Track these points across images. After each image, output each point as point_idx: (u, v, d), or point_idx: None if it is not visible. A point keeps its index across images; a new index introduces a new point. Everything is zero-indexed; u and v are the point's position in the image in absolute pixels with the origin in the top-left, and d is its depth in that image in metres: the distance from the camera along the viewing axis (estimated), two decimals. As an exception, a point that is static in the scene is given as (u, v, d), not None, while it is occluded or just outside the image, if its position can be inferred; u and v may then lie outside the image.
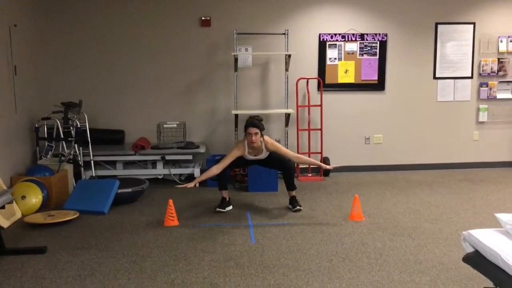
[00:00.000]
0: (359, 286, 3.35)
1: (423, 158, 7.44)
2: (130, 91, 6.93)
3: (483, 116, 7.45)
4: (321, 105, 6.99)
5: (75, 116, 6.08)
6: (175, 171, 6.57)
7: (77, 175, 6.15)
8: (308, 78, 7.02)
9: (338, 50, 7.10)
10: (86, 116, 6.19)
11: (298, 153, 6.94)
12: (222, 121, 7.08)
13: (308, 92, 7.01)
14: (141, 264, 3.79)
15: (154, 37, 6.87)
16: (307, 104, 7.03)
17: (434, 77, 7.32)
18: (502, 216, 2.79)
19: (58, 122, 5.99)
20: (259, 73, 7.08)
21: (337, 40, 7.08)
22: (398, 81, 7.26)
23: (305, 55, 7.06)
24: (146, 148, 6.44)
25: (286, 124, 6.96)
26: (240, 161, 5.23)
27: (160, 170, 6.56)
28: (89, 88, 6.84)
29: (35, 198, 5.21)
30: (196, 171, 6.47)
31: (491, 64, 7.34)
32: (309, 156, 6.98)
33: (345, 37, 7.09)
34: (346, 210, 5.20)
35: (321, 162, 6.91)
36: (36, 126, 6.08)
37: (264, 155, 5.19)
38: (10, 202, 4.14)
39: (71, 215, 4.88)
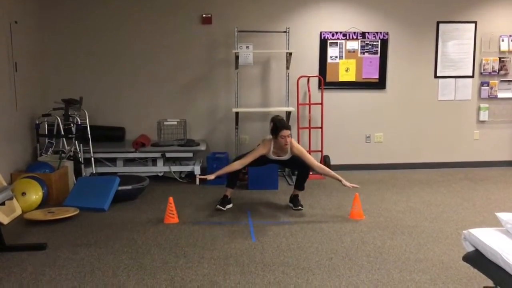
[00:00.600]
0: (359, 285, 3.35)
1: (424, 157, 7.44)
2: (131, 88, 6.93)
3: (483, 115, 7.44)
4: (321, 103, 6.98)
5: (76, 113, 6.08)
6: (175, 168, 6.57)
7: (78, 172, 6.15)
8: (309, 76, 7.01)
9: (339, 48, 7.09)
10: (86, 113, 6.19)
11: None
12: (223, 119, 7.08)
13: (309, 90, 7.00)
14: (141, 261, 3.79)
15: (155, 34, 6.86)
16: (307, 102, 7.02)
17: (435, 76, 7.32)
18: (502, 215, 2.79)
19: (59, 119, 5.98)
20: (260, 71, 7.07)
21: (338, 38, 7.07)
22: (399, 79, 7.26)
23: (306, 53, 7.05)
24: (146, 146, 6.44)
25: (287, 122, 6.95)
26: (261, 160, 5.17)
27: (160, 168, 6.55)
28: (89, 85, 6.84)
29: (35, 194, 5.21)
30: (197, 169, 6.46)
31: (492, 63, 7.33)
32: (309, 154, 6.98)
33: (346, 36, 7.08)
34: (346, 209, 5.19)
35: (321, 160, 6.92)
36: (37, 122, 6.07)
37: (287, 157, 5.14)
38: (10, 199, 4.13)
39: (71, 212, 4.88)
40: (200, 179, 4.82)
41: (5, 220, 4.69)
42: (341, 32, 7.07)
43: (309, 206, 5.34)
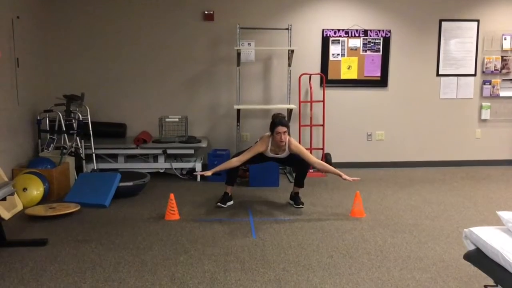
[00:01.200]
0: (359, 283, 3.35)
1: (425, 155, 7.43)
2: (133, 85, 6.92)
3: (485, 114, 7.43)
4: (323, 101, 6.98)
5: (77, 109, 6.08)
6: (176, 165, 6.57)
7: (79, 168, 6.15)
8: (311, 74, 7.00)
9: (341, 46, 7.08)
10: (88, 109, 6.19)
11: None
12: (224, 116, 7.08)
13: (310, 87, 6.99)
14: (142, 257, 3.79)
15: (157, 30, 6.86)
16: (309, 99, 7.02)
17: (437, 74, 7.31)
18: (503, 214, 2.78)
19: (60, 114, 5.98)
20: (261, 68, 7.06)
21: (340, 36, 7.06)
22: (401, 77, 7.24)
23: (308, 50, 7.04)
24: (147, 142, 6.44)
25: (288, 120, 6.93)
26: (259, 157, 5.16)
27: (161, 164, 6.56)
28: (91, 81, 6.83)
29: (37, 190, 5.21)
30: (198, 166, 6.47)
31: (495, 61, 7.31)
32: (310, 152, 6.98)
33: (348, 33, 7.06)
34: (347, 206, 5.19)
35: (322, 158, 6.92)
36: (38, 118, 6.07)
37: (285, 154, 5.13)
38: (12, 194, 4.14)
39: (72, 208, 4.89)
40: (197, 175, 4.80)
41: (6, 216, 4.71)
42: (343, 30, 7.06)
43: (310, 203, 5.34)
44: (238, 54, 6.56)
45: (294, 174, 5.44)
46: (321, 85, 7.08)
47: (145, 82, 6.94)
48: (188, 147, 6.47)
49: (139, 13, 6.82)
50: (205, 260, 3.74)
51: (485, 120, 7.47)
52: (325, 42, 7.05)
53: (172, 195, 4.82)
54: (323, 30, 7.04)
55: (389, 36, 7.13)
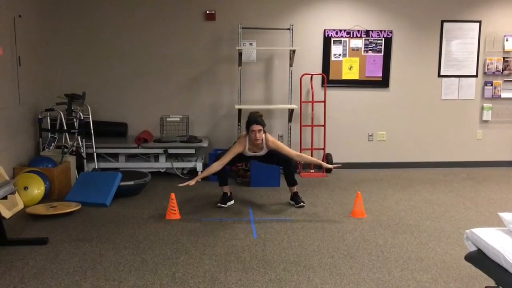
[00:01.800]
0: (360, 283, 3.35)
1: (426, 156, 7.43)
2: (134, 84, 6.93)
3: (487, 115, 7.42)
4: (324, 101, 6.97)
5: (79, 108, 6.08)
6: (177, 164, 6.57)
7: (80, 167, 6.16)
8: (312, 74, 7.00)
9: (343, 46, 7.07)
10: (89, 108, 6.20)
11: (300, 149, 6.94)
12: (225, 116, 7.07)
13: (312, 88, 6.99)
14: (143, 256, 3.79)
15: (158, 30, 6.86)
16: (310, 100, 7.01)
17: (439, 75, 7.30)
18: (505, 215, 2.78)
19: (62, 113, 5.99)
20: (263, 68, 7.06)
21: (342, 36, 7.06)
22: (402, 78, 7.24)
23: (309, 51, 7.04)
24: (149, 141, 6.44)
25: (289, 120, 6.95)
26: (239, 157, 5.20)
27: (162, 164, 6.56)
28: (92, 80, 6.83)
29: (38, 189, 5.22)
30: (199, 165, 6.47)
31: (496, 63, 7.31)
32: (311, 153, 6.99)
33: (350, 34, 7.06)
34: (348, 207, 5.19)
35: (323, 158, 6.93)
36: (40, 117, 6.08)
37: (263, 152, 5.16)
38: (13, 193, 4.14)
39: (73, 207, 4.89)
40: (180, 186, 4.81)
41: (7, 214, 4.71)
42: (345, 30, 7.05)
43: (311, 204, 5.34)
44: (240, 54, 6.56)
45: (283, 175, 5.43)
46: (322, 86, 7.08)
47: (146, 82, 6.94)
48: (189, 146, 6.47)
49: (141, 13, 6.82)
50: (205, 259, 3.74)
51: (486, 121, 7.46)
52: (327, 43, 7.05)
53: (173, 195, 4.82)
54: (324, 30, 7.03)
55: (391, 37, 7.13)
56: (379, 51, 7.13)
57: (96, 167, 6.15)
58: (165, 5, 6.83)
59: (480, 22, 7.23)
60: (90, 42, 6.81)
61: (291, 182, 5.29)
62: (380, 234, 4.36)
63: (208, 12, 6.86)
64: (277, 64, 7.05)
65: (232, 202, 5.34)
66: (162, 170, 6.64)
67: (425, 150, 7.42)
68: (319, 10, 7.02)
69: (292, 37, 6.73)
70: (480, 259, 2.75)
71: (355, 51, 7.10)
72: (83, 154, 6.12)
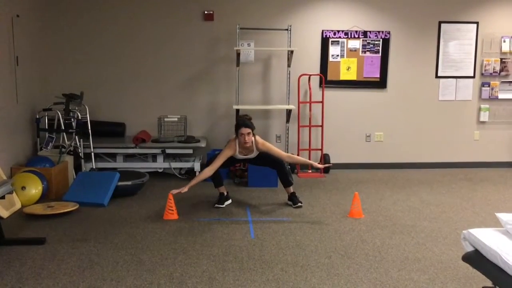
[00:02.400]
0: (358, 283, 3.35)
1: (424, 156, 7.44)
2: (132, 84, 6.92)
3: (484, 116, 7.44)
4: (322, 102, 6.98)
5: (76, 108, 6.08)
6: (175, 165, 6.57)
7: (77, 167, 6.15)
8: (310, 75, 7.01)
9: (341, 47, 7.08)
10: (87, 108, 6.19)
11: (298, 149, 6.95)
12: (223, 116, 7.08)
13: (309, 88, 7.00)
14: (140, 256, 3.79)
15: (156, 30, 6.86)
16: (308, 100, 7.02)
17: (436, 76, 7.31)
18: (502, 216, 2.79)
19: (59, 113, 5.98)
20: (261, 69, 7.07)
21: (340, 37, 7.07)
22: (400, 79, 7.25)
23: (307, 51, 7.05)
24: (146, 141, 6.44)
25: (287, 120, 6.95)
26: (230, 161, 5.20)
27: (160, 164, 6.55)
28: (90, 80, 6.83)
29: (35, 189, 5.21)
30: (196, 165, 6.47)
31: (494, 64, 7.33)
32: (309, 153, 6.99)
33: (348, 34, 7.07)
34: (345, 207, 5.20)
35: (321, 159, 6.93)
36: (37, 117, 6.07)
37: (254, 154, 5.18)
38: (10, 193, 4.13)
39: (71, 207, 4.89)
40: (174, 194, 4.78)
41: (5, 214, 4.70)
42: (343, 31, 7.06)
43: (308, 204, 5.35)
44: (238, 54, 6.57)
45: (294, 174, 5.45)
46: (320, 86, 7.09)
47: (144, 82, 6.94)
48: (187, 147, 6.47)
49: (139, 13, 6.82)
50: (203, 259, 3.74)
51: (483, 122, 7.48)
52: (325, 43, 7.06)
53: (170, 195, 4.81)
54: (322, 31, 7.04)
55: (389, 38, 7.14)
56: (377, 52, 7.14)
57: (94, 167, 6.14)
58: (163, 5, 6.83)
59: (477, 23, 7.25)
60: (88, 42, 6.80)
61: (286, 183, 5.30)
62: (378, 235, 4.36)
63: (206, 12, 6.86)
64: (275, 65, 7.05)
65: (230, 201, 5.34)
66: (160, 170, 6.64)
67: (422, 151, 7.44)
68: (317, 11, 7.02)
69: (290, 37, 6.73)
70: (477, 259, 2.76)
71: (353, 51, 7.11)
72: (80, 154, 6.11)
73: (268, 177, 6.07)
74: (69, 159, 5.96)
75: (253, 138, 5.05)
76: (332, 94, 7.15)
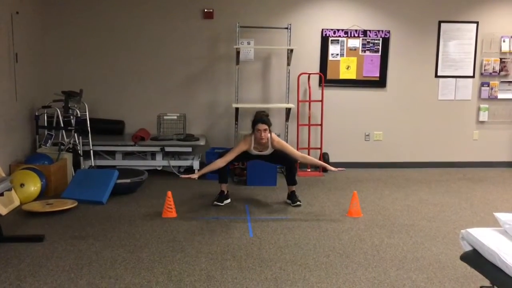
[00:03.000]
0: (356, 282, 3.36)
1: (423, 156, 7.44)
2: (131, 82, 6.92)
3: (483, 116, 7.44)
4: (322, 101, 6.98)
5: (76, 105, 6.07)
6: (174, 163, 6.57)
7: (76, 165, 6.15)
8: (310, 73, 7.00)
9: (341, 46, 7.08)
10: (86, 106, 6.18)
11: (297, 148, 6.94)
12: (223, 114, 7.07)
13: (309, 87, 7.00)
14: (139, 254, 3.79)
15: (156, 28, 6.85)
16: (308, 99, 7.02)
17: (436, 76, 7.31)
18: (501, 216, 2.79)
19: (58, 111, 5.97)
20: (260, 67, 7.06)
21: (339, 36, 7.07)
22: (399, 78, 7.25)
23: (307, 50, 7.04)
24: (145, 139, 6.44)
25: (287, 119, 6.95)
26: (244, 156, 5.21)
27: (159, 162, 6.55)
28: (90, 78, 6.82)
29: (34, 186, 5.21)
30: (196, 164, 6.47)
31: (493, 63, 7.33)
32: (308, 152, 6.99)
33: (347, 33, 7.07)
34: (344, 206, 5.20)
35: (320, 157, 6.93)
36: (36, 114, 6.07)
37: (268, 151, 5.18)
38: (9, 190, 4.13)
39: (70, 204, 4.88)
40: (182, 177, 4.82)
41: (3, 211, 4.70)
42: (342, 30, 7.06)
43: (307, 203, 5.35)
44: (237, 53, 6.56)
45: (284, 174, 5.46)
46: (319, 85, 7.09)
47: (143, 79, 6.93)
48: (186, 145, 6.47)
49: (138, 10, 6.81)
50: (202, 258, 3.75)
51: (482, 122, 7.48)
52: (324, 42, 7.06)
53: (169, 193, 4.82)
54: (322, 30, 7.04)
55: (388, 37, 7.14)
56: (377, 51, 7.14)
57: (93, 165, 6.14)
58: (163, 3, 6.82)
59: (477, 23, 7.25)
60: (87, 39, 6.80)
61: (292, 182, 5.30)
62: (376, 234, 4.37)
63: (206, 10, 6.86)
64: (275, 63, 7.05)
65: (229, 201, 5.34)
66: (159, 168, 6.64)
67: (421, 150, 7.44)
68: (317, 10, 7.02)
69: (290, 36, 6.73)
70: (476, 259, 2.76)
71: (352, 50, 7.11)
72: (79, 151, 6.11)
73: (267, 175, 6.07)
74: (68, 157, 5.96)
75: (269, 135, 5.05)
76: (331, 93, 7.14)
